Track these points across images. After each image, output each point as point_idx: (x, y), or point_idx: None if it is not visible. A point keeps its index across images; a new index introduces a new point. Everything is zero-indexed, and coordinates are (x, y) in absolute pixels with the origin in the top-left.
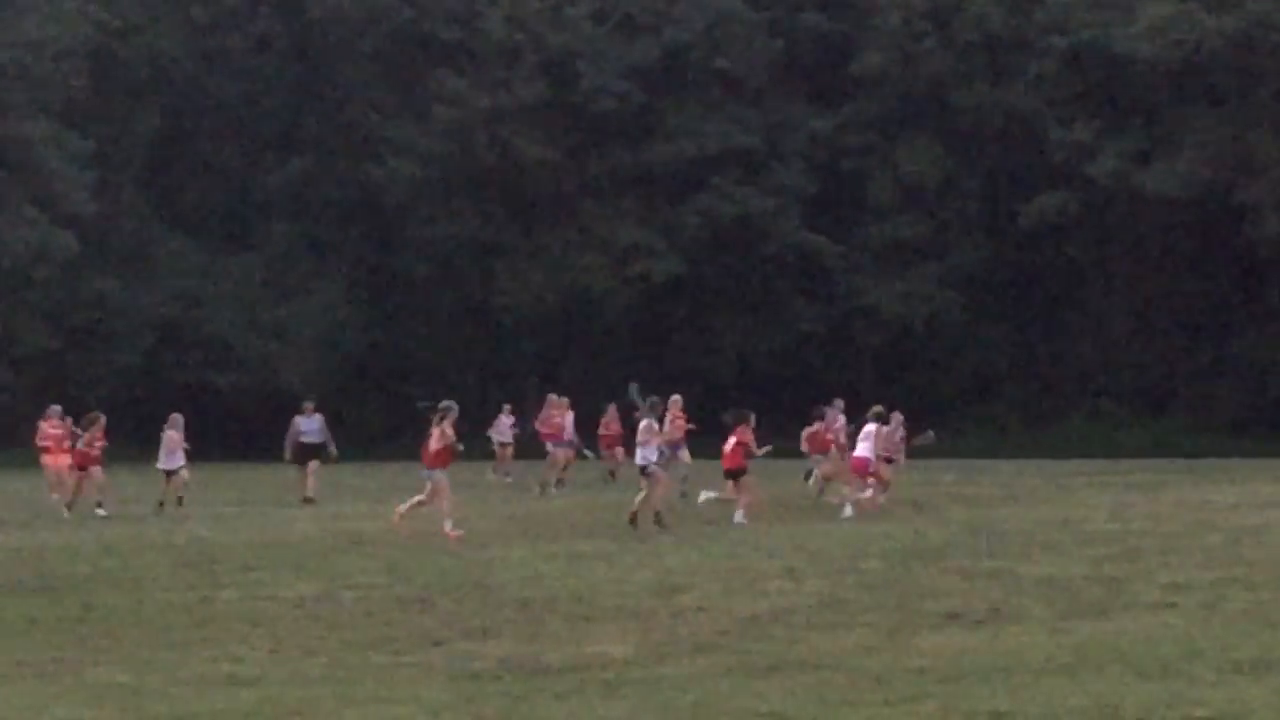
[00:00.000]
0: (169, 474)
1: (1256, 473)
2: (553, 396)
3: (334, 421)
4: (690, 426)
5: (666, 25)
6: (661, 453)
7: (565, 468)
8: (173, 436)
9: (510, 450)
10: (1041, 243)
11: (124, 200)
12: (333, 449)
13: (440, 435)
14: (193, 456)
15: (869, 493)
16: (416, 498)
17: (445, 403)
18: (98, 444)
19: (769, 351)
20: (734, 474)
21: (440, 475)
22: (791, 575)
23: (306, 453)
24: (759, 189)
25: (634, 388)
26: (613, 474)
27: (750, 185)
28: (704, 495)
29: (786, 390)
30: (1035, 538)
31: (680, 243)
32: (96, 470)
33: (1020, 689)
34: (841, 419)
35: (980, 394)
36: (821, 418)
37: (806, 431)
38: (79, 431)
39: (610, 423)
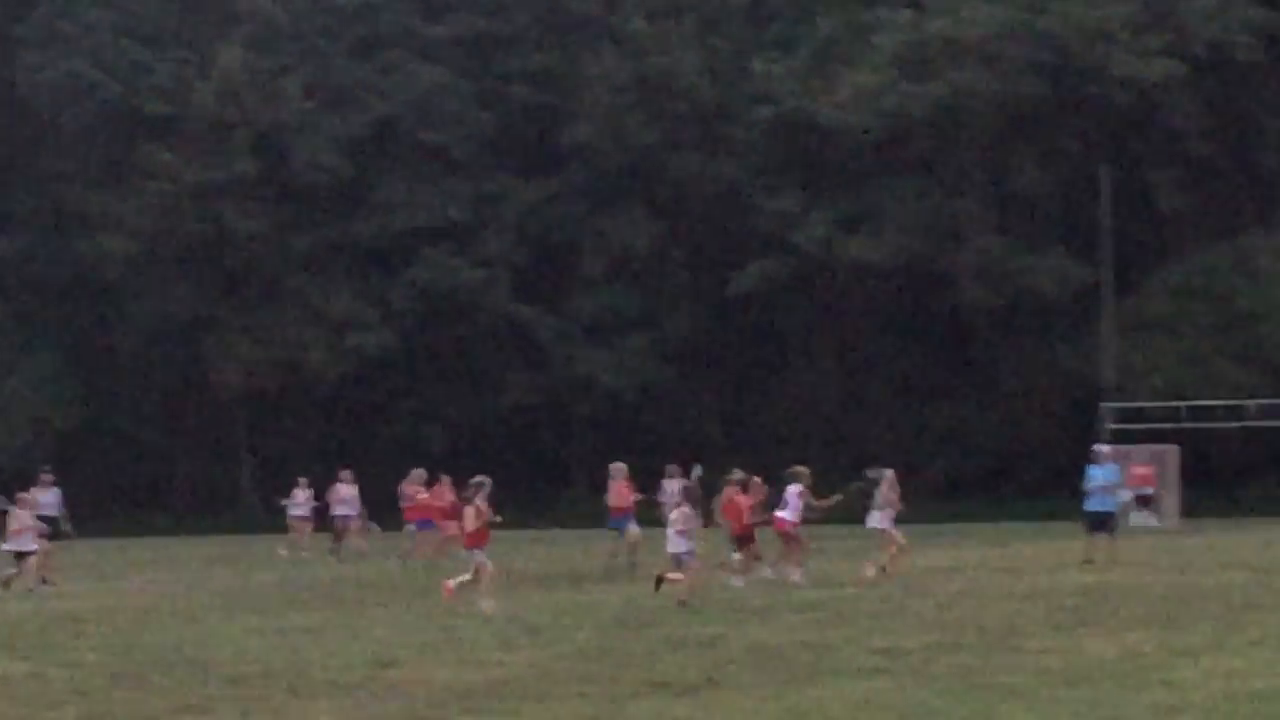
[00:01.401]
0: (21, 555)
1: (965, 537)
2: (419, 472)
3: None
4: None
5: (376, 98)
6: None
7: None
8: (23, 515)
9: (309, 525)
10: (751, 311)
11: None
12: (66, 525)
13: (476, 513)
14: None
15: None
16: (464, 577)
17: (478, 478)
18: None
19: (482, 423)
20: (743, 540)
21: (480, 554)
22: (505, 646)
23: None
24: (470, 261)
25: (697, 470)
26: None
27: (462, 257)
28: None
29: (500, 461)
30: (746, 603)
31: (393, 315)
32: None
33: None
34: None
35: (693, 462)
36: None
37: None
38: None
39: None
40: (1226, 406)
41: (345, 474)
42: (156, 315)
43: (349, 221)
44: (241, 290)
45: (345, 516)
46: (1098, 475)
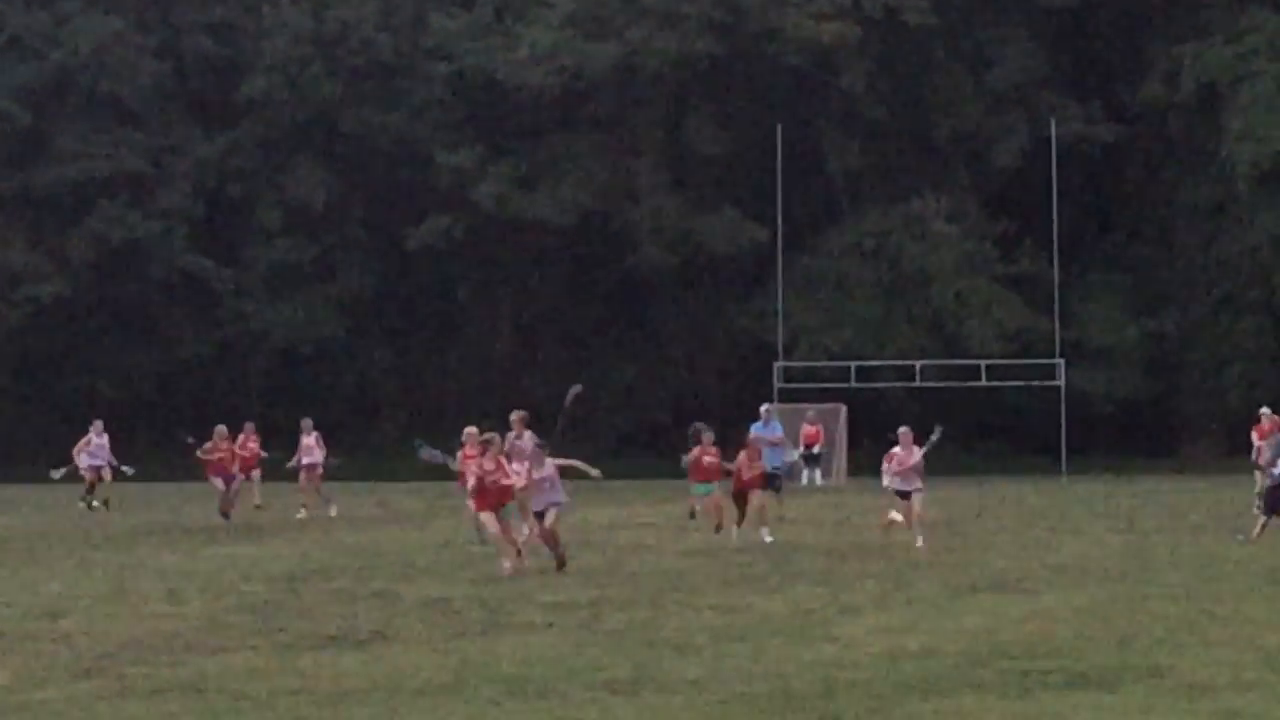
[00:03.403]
0: None
1: (636, 494)
2: (221, 428)
3: None
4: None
5: (53, 47)
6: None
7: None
8: None
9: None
10: (427, 267)
11: None
12: None
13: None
14: None
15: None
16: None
17: (485, 436)
18: None
19: (156, 374)
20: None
21: (488, 516)
22: (174, 598)
23: None
24: (146, 213)
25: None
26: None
27: (138, 209)
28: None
29: (174, 413)
30: (418, 560)
31: (68, 266)
32: None
33: (399, 709)
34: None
35: (366, 416)
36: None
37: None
38: None
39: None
40: (895, 367)
41: (97, 424)
42: None
43: (25, 171)
44: None
45: (95, 466)
46: (761, 433)
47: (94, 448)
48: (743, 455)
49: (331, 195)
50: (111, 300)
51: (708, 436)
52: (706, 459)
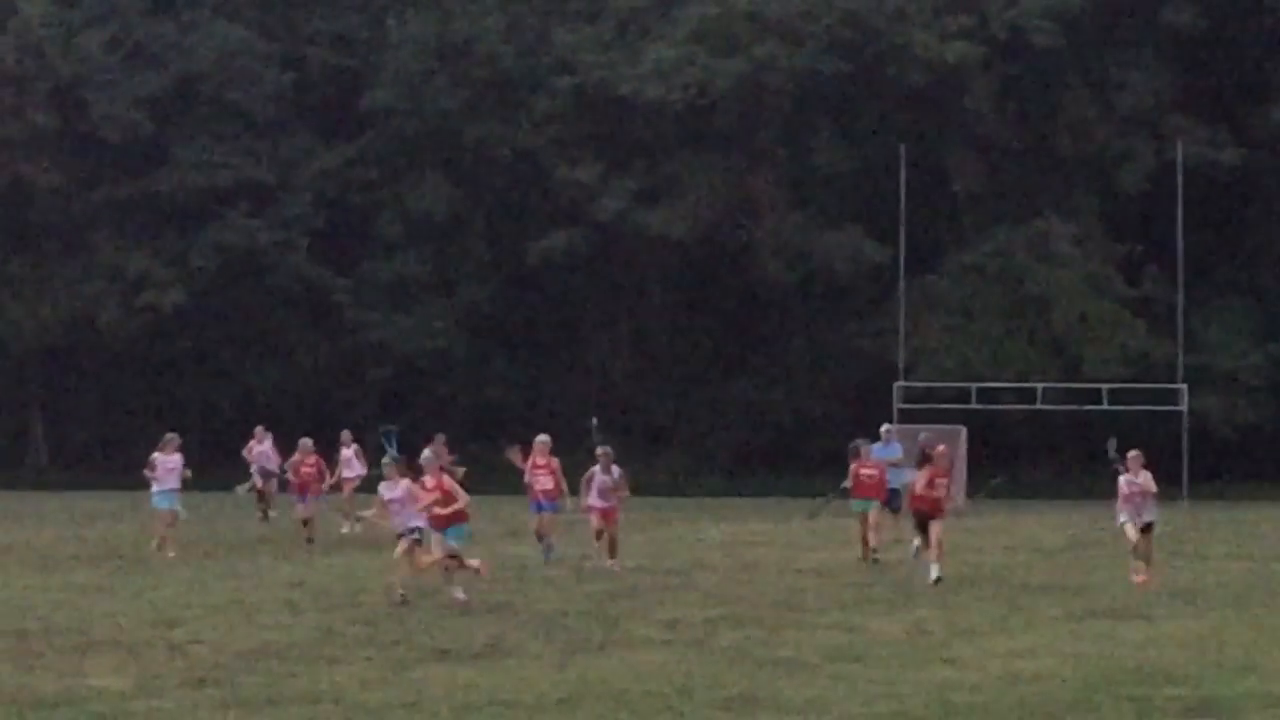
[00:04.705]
0: None
1: (751, 512)
2: (305, 441)
3: None
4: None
5: (177, 56)
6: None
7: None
8: None
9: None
10: (547, 281)
11: None
12: None
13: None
14: None
15: None
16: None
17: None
18: None
19: (276, 384)
20: (932, 516)
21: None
22: (290, 609)
23: None
24: (268, 222)
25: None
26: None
27: (259, 218)
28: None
29: (292, 423)
30: (535, 573)
31: (189, 274)
32: None
33: None
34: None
35: (485, 429)
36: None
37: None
38: None
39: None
40: (1016, 389)
41: (258, 429)
42: None
43: (148, 179)
44: (36, 245)
45: (266, 473)
46: (881, 454)
47: (257, 455)
48: (924, 473)
49: (452, 207)
50: (231, 309)
51: (865, 450)
52: (863, 472)
